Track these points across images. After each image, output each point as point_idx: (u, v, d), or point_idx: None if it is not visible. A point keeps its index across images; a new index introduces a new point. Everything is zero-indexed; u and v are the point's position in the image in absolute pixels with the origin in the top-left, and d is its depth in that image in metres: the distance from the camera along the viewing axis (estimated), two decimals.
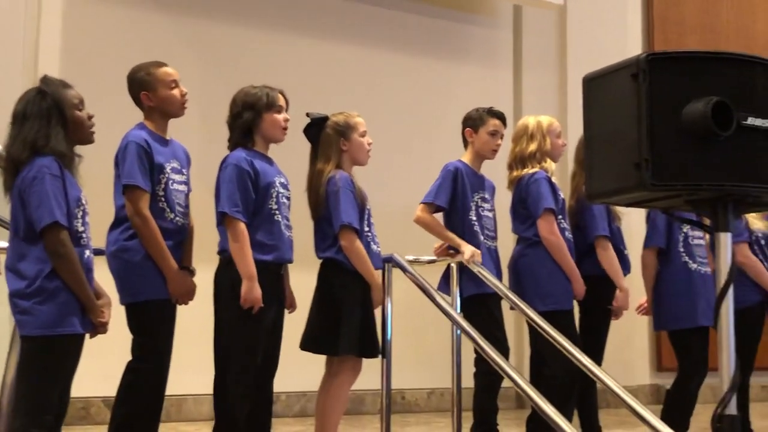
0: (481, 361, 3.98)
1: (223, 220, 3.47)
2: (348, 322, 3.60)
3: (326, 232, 3.70)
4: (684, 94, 2.11)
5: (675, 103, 2.11)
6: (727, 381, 2.12)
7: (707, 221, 2.32)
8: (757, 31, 8.74)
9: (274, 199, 3.54)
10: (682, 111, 2.10)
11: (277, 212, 3.54)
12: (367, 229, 3.76)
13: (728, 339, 2.16)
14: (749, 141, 2.12)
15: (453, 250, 4.07)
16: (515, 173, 4.29)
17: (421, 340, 6.33)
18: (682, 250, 4.33)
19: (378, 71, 6.83)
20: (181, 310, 3.53)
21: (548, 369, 4.03)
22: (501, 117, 4.27)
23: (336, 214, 3.63)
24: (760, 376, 4.74)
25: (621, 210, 4.47)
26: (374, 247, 3.78)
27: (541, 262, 4.13)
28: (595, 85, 2.31)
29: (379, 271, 3.75)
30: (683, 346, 4.29)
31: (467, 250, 3.99)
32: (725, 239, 2.20)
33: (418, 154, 6.62)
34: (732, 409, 2.13)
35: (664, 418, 4.12)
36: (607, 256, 4.32)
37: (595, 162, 2.29)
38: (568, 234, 4.24)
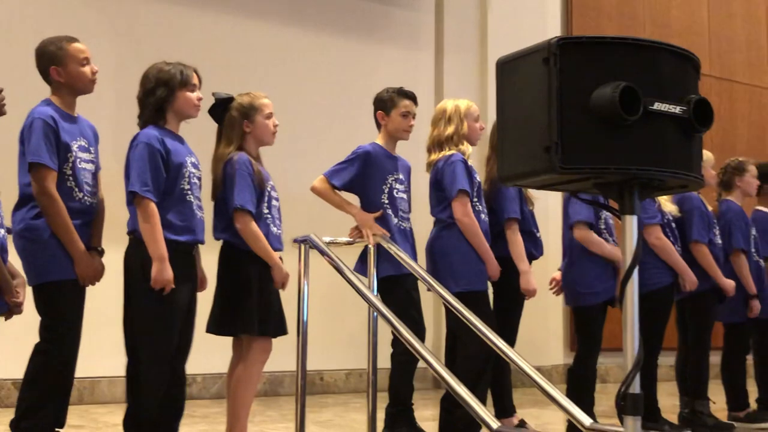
0: (397, 342, 4.00)
1: (133, 200, 3.40)
2: (245, 303, 3.60)
3: (223, 214, 3.69)
4: (593, 79, 2.12)
5: (585, 88, 2.12)
6: (631, 360, 2.17)
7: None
8: (671, 18, 8.96)
9: (186, 179, 3.48)
10: (591, 95, 2.12)
11: (189, 192, 3.48)
12: (267, 211, 3.74)
13: (632, 319, 2.20)
14: (656, 126, 2.15)
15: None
16: (433, 156, 4.31)
17: (340, 322, 6.35)
18: (603, 227, 4.44)
19: (298, 51, 6.78)
20: (94, 291, 3.46)
21: (463, 350, 4.07)
22: (412, 97, 4.28)
23: (230, 197, 3.61)
24: (666, 356, 4.87)
25: (535, 194, 4.54)
26: (274, 229, 3.77)
27: (456, 244, 4.15)
28: (508, 68, 2.32)
29: (279, 253, 3.74)
30: (590, 321, 4.42)
31: (361, 219, 4.02)
32: (631, 222, 2.24)
33: (338, 136, 6.59)
34: (636, 387, 2.17)
35: (571, 396, 4.22)
36: (514, 239, 4.36)
37: (506, 145, 2.30)
38: (484, 216, 4.27)
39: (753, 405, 5.28)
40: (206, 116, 3.73)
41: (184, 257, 3.48)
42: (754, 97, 9.52)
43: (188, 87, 3.52)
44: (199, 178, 3.60)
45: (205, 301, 3.67)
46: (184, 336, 3.50)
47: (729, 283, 4.91)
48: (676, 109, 2.17)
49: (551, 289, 4.73)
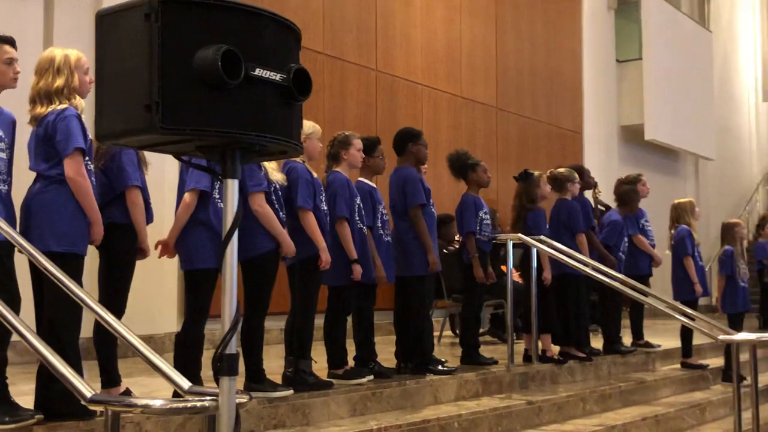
0: None
1: None
2: None
3: None
4: (197, 40, 2.10)
5: (188, 48, 2.10)
6: (228, 322, 2.20)
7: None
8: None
9: None
10: (194, 56, 2.10)
11: None
12: None
13: (231, 282, 2.24)
14: (257, 91, 2.19)
15: None
16: (40, 109, 4.00)
17: None
18: (217, 197, 4.44)
19: None
20: None
21: (57, 315, 3.88)
22: (12, 42, 3.97)
23: None
24: (275, 320, 5.02)
25: (149, 159, 4.44)
26: None
27: (63, 202, 3.92)
28: (108, 21, 2.24)
29: None
30: (198, 286, 4.44)
31: None
32: (232, 185, 2.26)
33: None
34: (232, 348, 2.21)
35: (177, 362, 4.23)
36: (136, 205, 4.27)
37: (105, 102, 2.21)
38: (94, 177, 4.09)
39: (351, 363, 5.65)
40: None
41: None
42: (362, 77, 10.14)
43: None
44: None
45: None
46: None
47: (326, 258, 5.08)
48: (277, 77, 2.22)
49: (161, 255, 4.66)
